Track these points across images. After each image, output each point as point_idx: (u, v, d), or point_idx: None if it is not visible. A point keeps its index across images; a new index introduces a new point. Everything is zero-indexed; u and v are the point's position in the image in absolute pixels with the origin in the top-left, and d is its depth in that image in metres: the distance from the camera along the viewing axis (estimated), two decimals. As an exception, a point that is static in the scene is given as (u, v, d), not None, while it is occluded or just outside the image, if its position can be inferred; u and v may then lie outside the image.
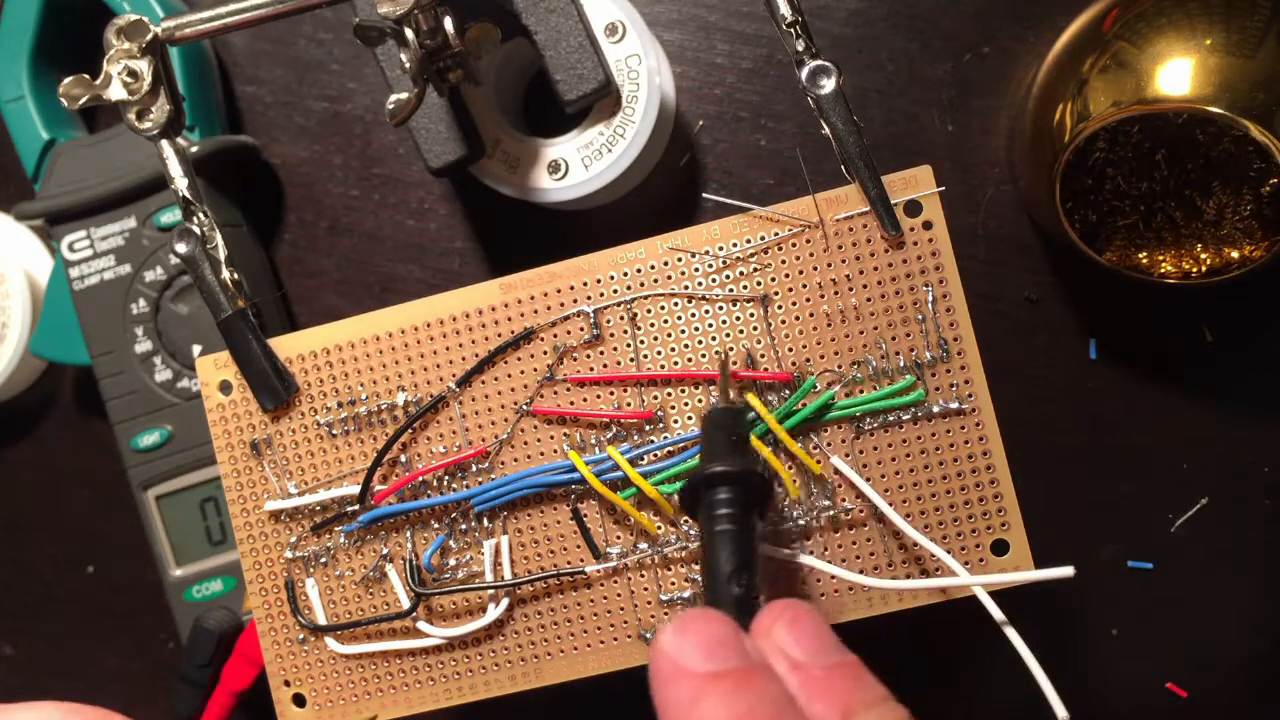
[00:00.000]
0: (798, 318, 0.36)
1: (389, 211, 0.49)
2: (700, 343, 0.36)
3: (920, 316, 0.35)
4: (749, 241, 0.36)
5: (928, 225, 0.35)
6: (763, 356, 0.36)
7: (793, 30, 0.34)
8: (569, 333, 0.37)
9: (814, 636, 0.27)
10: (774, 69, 0.45)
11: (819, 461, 0.35)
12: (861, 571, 0.35)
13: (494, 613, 0.37)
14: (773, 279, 0.36)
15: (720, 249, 0.36)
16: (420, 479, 0.38)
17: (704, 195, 0.46)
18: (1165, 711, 0.43)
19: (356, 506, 0.38)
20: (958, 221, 0.42)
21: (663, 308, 0.36)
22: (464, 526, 0.38)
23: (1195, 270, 0.40)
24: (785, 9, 0.34)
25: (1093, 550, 0.44)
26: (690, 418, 0.36)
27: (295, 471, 0.39)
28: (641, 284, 0.36)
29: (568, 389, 0.37)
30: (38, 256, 0.51)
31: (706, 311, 0.36)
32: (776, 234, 0.36)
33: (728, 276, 0.36)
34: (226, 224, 0.46)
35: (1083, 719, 0.31)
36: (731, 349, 0.36)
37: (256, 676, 0.44)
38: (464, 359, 0.37)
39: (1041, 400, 0.44)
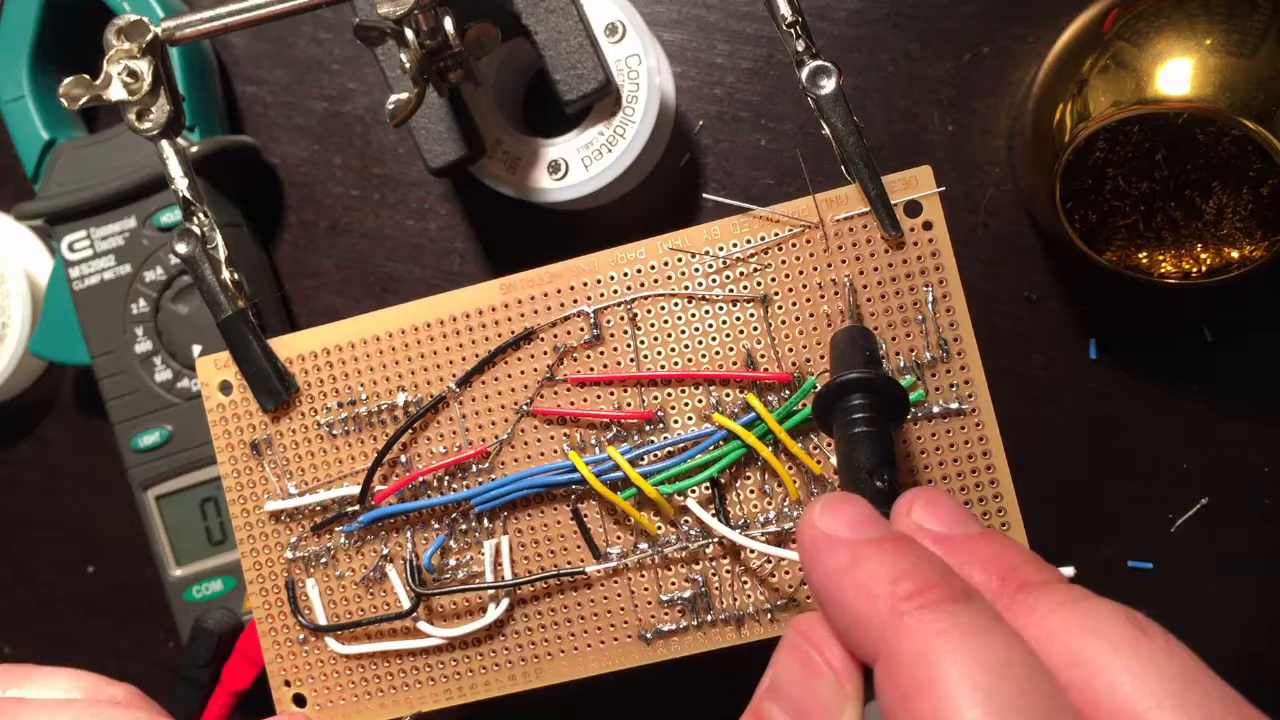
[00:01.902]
0: (798, 318, 0.36)
1: (389, 211, 0.49)
2: (700, 343, 0.36)
3: (920, 317, 0.35)
4: (749, 242, 0.36)
5: (928, 225, 0.35)
6: (763, 357, 0.36)
7: (793, 30, 0.34)
8: (569, 333, 0.37)
9: (953, 512, 0.26)
10: (774, 69, 0.45)
11: (819, 462, 0.35)
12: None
13: (494, 613, 0.37)
14: (773, 279, 0.36)
15: (720, 249, 0.36)
16: (420, 479, 0.38)
17: (704, 195, 0.46)
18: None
19: (357, 507, 0.38)
20: (958, 221, 0.42)
21: (663, 308, 0.36)
22: (464, 527, 0.38)
23: (1195, 270, 0.40)
24: (785, 9, 0.34)
25: (1093, 550, 0.44)
26: (690, 418, 0.36)
27: (295, 472, 0.38)
28: (642, 284, 0.36)
29: (568, 389, 0.37)
30: (38, 256, 0.51)
31: (707, 312, 0.36)
32: (776, 234, 0.36)
33: (728, 277, 0.36)
34: (226, 224, 0.46)
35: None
36: (859, 273, 0.35)
37: (256, 676, 0.44)
38: (464, 359, 0.37)
39: (1041, 400, 0.44)
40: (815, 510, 0.26)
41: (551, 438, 0.37)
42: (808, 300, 0.35)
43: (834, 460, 0.35)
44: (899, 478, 0.29)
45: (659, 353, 0.36)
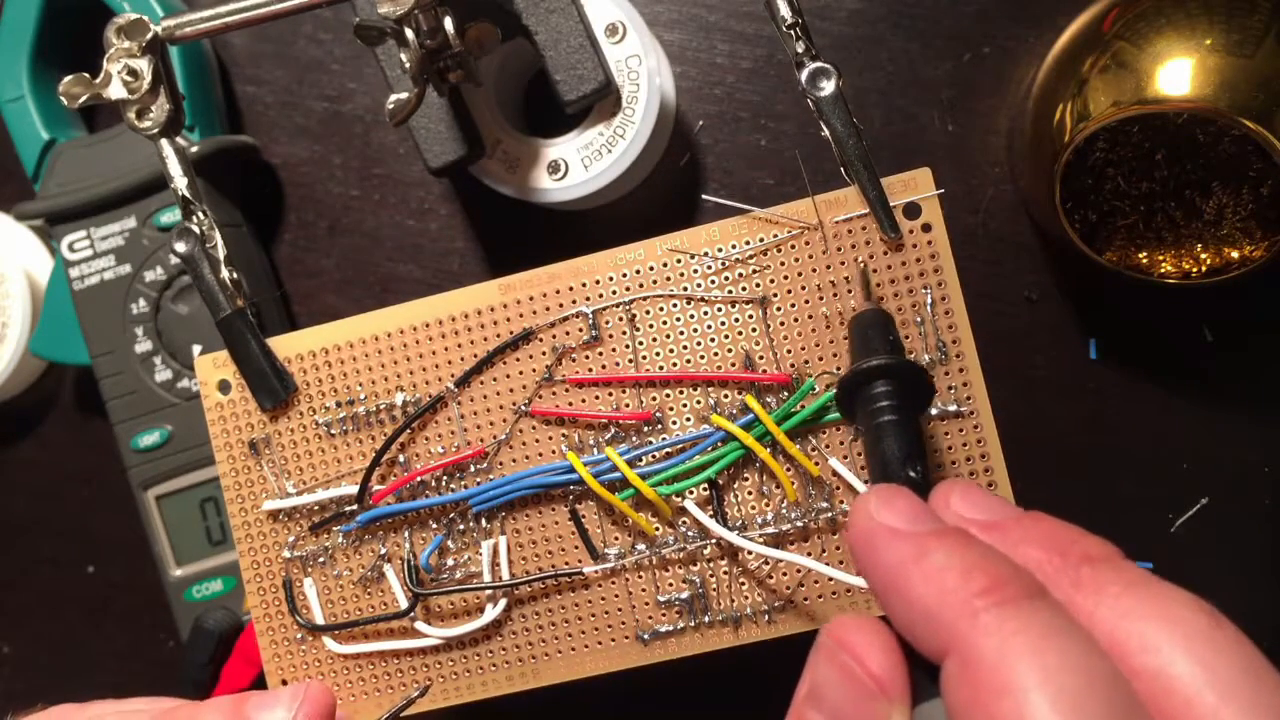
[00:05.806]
0: (796, 319, 0.36)
1: (389, 211, 0.48)
2: (699, 344, 0.36)
3: (919, 319, 0.35)
4: (748, 243, 0.36)
5: (927, 228, 0.35)
6: (761, 358, 0.36)
7: (793, 32, 0.34)
8: (568, 333, 0.37)
9: (991, 500, 0.26)
10: (774, 69, 0.45)
11: (817, 463, 0.35)
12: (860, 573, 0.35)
13: (492, 613, 0.37)
14: (772, 281, 0.36)
15: (719, 250, 0.36)
16: (419, 479, 0.38)
17: (704, 197, 0.46)
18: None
19: (355, 506, 0.38)
20: (957, 222, 0.41)
21: (662, 309, 0.36)
22: (462, 527, 0.38)
23: (1195, 270, 0.40)
24: (785, 11, 0.34)
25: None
26: (689, 419, 0.36)
27: (294, 471, 0.38)
28: (640, 285, 0.36)
29: (566, 390, 0.37)
30: (38, 256, 0.51)
31: (705, 313, 0.36)
32: (776, 236, 0.36)
33: (727, 278, 0.36)
34: (226, 224, 0.46)
35: None
36: (870, 258, 0.35)
37: (256, 676, 0.44)
38: (463, 359, 0.37)
39: (1041, 400, 0.44)
40: (870, 503, 0.25)
41: (550, 438, 0.37)
42: (806, 302, 0.35)
43: (831, 463, 0.35)
44: (930, 469, 0.29)
45: (657, 354, 0.36)
